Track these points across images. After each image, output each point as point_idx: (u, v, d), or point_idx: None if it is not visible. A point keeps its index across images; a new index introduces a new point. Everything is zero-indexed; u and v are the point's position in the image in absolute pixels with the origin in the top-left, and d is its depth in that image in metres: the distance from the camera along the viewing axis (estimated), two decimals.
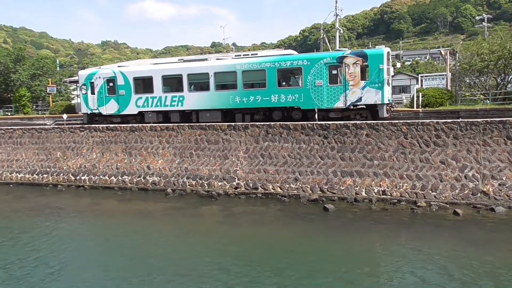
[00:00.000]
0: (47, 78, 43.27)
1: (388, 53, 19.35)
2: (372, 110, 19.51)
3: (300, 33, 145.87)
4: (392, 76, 45.62)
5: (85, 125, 23.49)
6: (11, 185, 22.46)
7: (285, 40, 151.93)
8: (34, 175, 22.69)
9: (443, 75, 31.95)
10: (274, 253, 11.82)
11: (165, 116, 23.02)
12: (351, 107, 19.53)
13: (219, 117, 21.53)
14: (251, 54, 22.68)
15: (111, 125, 22.73)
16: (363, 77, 19.02)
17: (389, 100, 19.54)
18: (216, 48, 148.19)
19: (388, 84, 19.42)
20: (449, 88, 28.27)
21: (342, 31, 38.94)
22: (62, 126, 24.13)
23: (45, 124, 28.15)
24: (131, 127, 21.99)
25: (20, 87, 40.88)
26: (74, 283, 10.16)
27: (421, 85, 32.86)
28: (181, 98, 22.24)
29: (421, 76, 36.30)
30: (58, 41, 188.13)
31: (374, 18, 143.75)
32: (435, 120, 17.02)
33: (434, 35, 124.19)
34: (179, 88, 22.32)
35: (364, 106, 19.63)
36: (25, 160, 23.61)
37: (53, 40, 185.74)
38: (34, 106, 41.97)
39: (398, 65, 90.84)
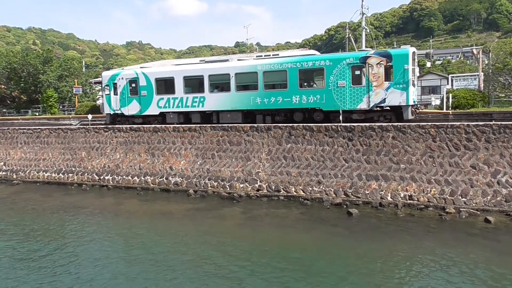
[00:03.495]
0: (73, 79, 44.40)
1: (413, 53, 18.74)
2: (396, 112, 18.96)
3: (325, 32, 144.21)
4: (422, 76, 44.37)
5: (109, 126, 23.81)
6: (38, 184, 23.05)
7: (310, 39, 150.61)
8: (60, 174, 23.18)
9: (474, 75, 30.67)
10: (295, 257, 11.57)
11: (186, 117, 23.08)
12: (375, 108, 19.02)
13: (240, 118, 21.42)
14: (273, 55, 22.50)
15: (135, 126, 22.98)
16: (387, 78, 18.52)
17: (414, 101, 18.97)
18: (240, 48, 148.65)
19: (414, 85, 18.82)
20: (481, 88, 27.10)
21: (368, 30, 38.11)
22: (87, 126, 24.58)
23: (71, 124, 28.80)
24: (154, 127, 22.13)
25: (47, 88, 42.09)
26: (93, 281, 10.28)
27: (452, 85, 31.68)
28: (202, 99, 22.25)
29: (452, 76, 35.02)
30: (85, 42, 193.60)
31: (403, 16, 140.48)
32: (466, 123, 16.24)
33: (467, 32, 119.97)
34: (200, 89, 22.35)
35: (388, 108, 19.09)
36: (52, 159, 24.18)
37: (79, 41, 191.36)
38: (60, 107, 43.13)
39: (428, 64, 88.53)
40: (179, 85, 22.75)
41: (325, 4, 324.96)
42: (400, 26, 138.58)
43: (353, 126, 17.82)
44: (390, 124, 17.44)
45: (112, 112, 24.89)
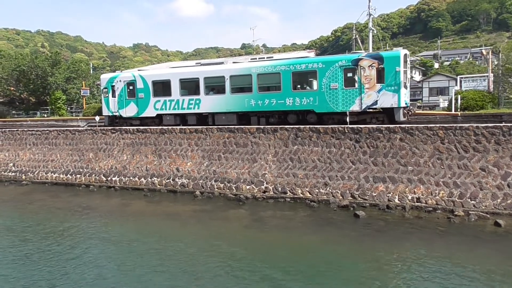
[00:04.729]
0: (81, 81, 44.82)
1: (405, 55, 18.86)
2: (388, 114, 19.08)
3: (332, 33, 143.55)
4: (430, 77, 43.93)
5: (116, 127, 23.93)
6: (47, 184, 23.24)
7: (316, 40, 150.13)
8: (68, 175, 23.34)
9: (484, 76, 30.37)
10: (301, 259, 11.50)
11: (183, 119, 23.33)
12: (367, 110, 19.18)
13: (235, 120, 21.68)
14: (267, 57, 22.59)
15: (141, 127, 23.08)
16: (379, 80, 18.62)
17: (406, 103, 19.11)
18: (246, 49, 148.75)
19: (405, 87, 18.98)
20: (491, 90, 26.81)
21: (375, 31, 37.90)
22: (95, 128, 24.74)
23: (79, 126, 28.99)
24: (161, 129, 22.20)
25: (56, 90, 42.54)
26: (98, 281, 10.32)
27: (460, 86, 31.40)
28: (197, 101, 22.50)
29: (460, 77, 34.70)
30: (92, 44, 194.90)
31: (410, 17, 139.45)
32: (475, 124, 16.07)
33: (475, 33, 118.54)
34: (196, 91, 22.60)
35: (381, 110, 19.21)
36: (60, 160, 24.35)
37: (87, 44, 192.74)
38: (68, 108, 43.52)
39: (436, 65, 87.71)
40: (175, 88, 23.03)
41: (332, 5, 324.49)
42: (407, 27, 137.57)
43: (360, 127, 17.72)
44: (397, 125, 17.32)
45: (110, 114, 25.28)
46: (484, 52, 31.32)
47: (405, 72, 18.64)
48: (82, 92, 41.13)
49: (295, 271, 10.72)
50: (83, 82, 44.09)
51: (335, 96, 19.37)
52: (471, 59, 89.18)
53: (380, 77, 18.59)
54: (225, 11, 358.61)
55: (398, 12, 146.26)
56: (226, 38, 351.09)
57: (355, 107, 19.09)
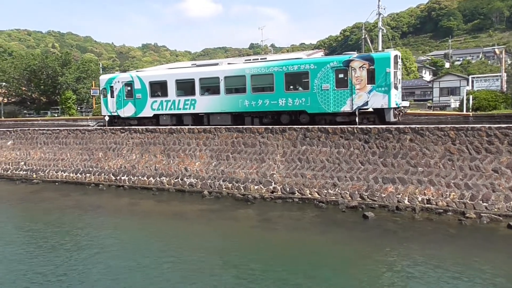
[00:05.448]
0: (91, 81, 45.21)
1: (395, 56, 18.97)
2: (379, 114, 19.16)
3: (341, 32, 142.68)
4: (440, 77, 43.44)
5: (125, 127, 24.07)
6: (57, 183, 23.44)
7: (325, 40, 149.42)
8: (78, 174, 23.53)
9: (497, 76, 29.91)
10: (309, 260, 11.42)
11: (179, 119, 23.60)
12: (358, 111, 19.24)
13: (229, 121, 21.91)
14: (261, 59, 22.77)
15: (150, 127, 23.19)
16: (370, 81, 18.72)
17: (397, 104, 19.15)
18: (255, 49, 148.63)
19: (396, 88, 19.04)
20: (504, 90, 26.40)
21: (385, 31, 37.59)
22: (104, 127, 24.90)
23: (88, 126, 29.23)
24: (169, 129, 22.27)
25: (66, 89, 42.95)
26: (105, 281, 10.30)
27: (472, 86, 30.97)
28: (193, 102, 22.79)
29: (472, 77, 34.22)
30: (102, 44, 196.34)
31: (421, 16, 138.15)
32: (487, 125, 15.81)
33: (488, 32, 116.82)
34: (192, 92, 22.86)
35: (372, 110, 19.25)
36: (70, 159, 24.57)
37: (97, 44, 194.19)
38: (78, 108, 43.91)
39: (447, 65, 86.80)
40: (171, 88, 23.34)
41: (341, 5, 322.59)
42: (417, 26, 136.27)
43: (369, 128, 17.58)
44: (407, 126, 17.15)
45: (109, 114, 25.65)
46: (497, 51, 30.84)
47: (395, 73, 18.77)
48: (92, 92, 41.41)
49: (302, 271, 10.65)
50: (93, 82, 44.41)
51: (326, 97, 19.52)
52: (483, 58, 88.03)
53: (370, 78, 18.72)
54: (234, 11, 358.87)
55: (408, 11, 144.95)
56: (235, 38, 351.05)
57: (346, 108, 19.25)
